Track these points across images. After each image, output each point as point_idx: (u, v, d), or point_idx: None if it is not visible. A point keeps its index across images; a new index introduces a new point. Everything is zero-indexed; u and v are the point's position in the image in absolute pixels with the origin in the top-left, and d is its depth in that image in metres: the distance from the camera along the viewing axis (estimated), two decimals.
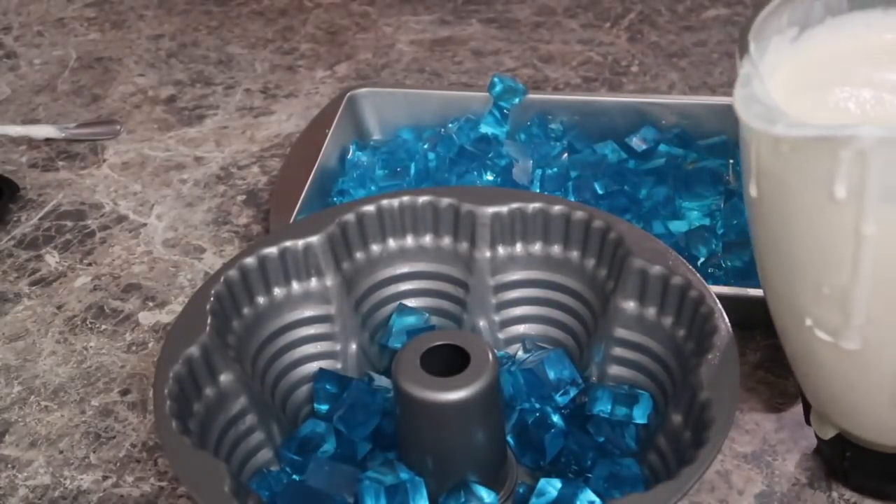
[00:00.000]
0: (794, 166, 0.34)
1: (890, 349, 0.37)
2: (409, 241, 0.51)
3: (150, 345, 0.57)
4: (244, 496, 0.39)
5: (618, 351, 0.47)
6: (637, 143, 0.63)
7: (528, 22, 0.88)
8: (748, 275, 0.54)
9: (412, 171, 0.62)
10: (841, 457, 0.45)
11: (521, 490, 0.43)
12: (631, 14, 0.88)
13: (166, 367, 0.41)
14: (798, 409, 0.48)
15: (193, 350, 0.42)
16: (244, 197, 0.68)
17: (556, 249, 0.49)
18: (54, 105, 0.80)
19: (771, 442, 0.49)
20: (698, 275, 0.45)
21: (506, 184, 0.59)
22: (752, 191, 0.37)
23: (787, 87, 0.35)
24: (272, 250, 0.47)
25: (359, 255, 0.50)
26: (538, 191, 0.60)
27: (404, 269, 0.51)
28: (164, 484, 0.49)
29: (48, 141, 0.75)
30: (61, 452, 0.51)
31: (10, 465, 0.50)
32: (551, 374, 0.46)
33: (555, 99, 0.66)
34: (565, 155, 0.63)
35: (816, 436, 0.46)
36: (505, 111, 0.63)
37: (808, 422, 0.46)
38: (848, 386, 0.40)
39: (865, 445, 0.43)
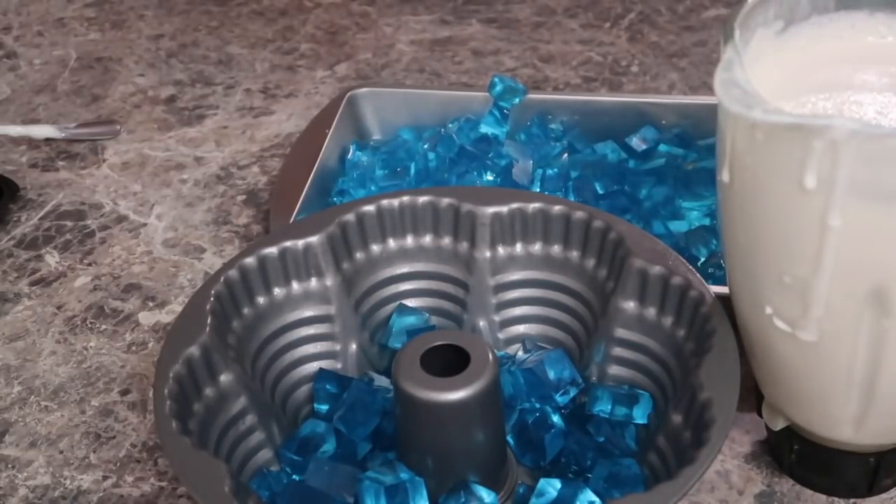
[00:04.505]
0: (767, 154, 0.34)
1: (845, 342, 0.37)
2: (409, 241, 0.51)
3: (150, 345, 0.57)
4: (244, 496, 0.39)
5: (618, 351, 0.47)
6: (637, 143, 0.63)
7: (528, 22, 0.88)
8: None
9: (412, 171, 0.62)
10: (789, 450, 0.45)
11: (521, 490, 0.43)
12: (631, 14, 0.88)
13: (166, 367, 0.41)
14: None
15: (193, 350, 0.42)
16: (244, 197, 0.68)
17: (556, 249, 0.49)
18: (54, 105, 0.80)
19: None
20: (698, 275, 0.45)
21: (506, 184, 0.59)
22: (725, 176, 0.37)
23: (767, 85, 0.35)
24: (272, 250, 0.47)
25: (359, 255, 0.50)
26: (538, 191, 0.60)
27: (404, 269, 0.51)
28: (164, 484, 0.49)
29: (48, 141, 0.75)
30: (61, 452, 0.51)
31: (10, 465, 0.50)
32: (551, 374, 0.46)
33: (555, 99, 0.66)
34: (565, 155, 0.63)
35: (766, 427, 0.46)
36: (505, 111, 0.63)
37: (759, 413, 0.46)
38: (802, 377, 0.40)
39: (814, 440, 0.43)
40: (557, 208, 0.48)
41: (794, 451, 0.45)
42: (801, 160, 0.33)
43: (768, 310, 0.38)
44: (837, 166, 0.32)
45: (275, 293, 0.48)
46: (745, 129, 0.35)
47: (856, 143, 0.32)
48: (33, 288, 0.61)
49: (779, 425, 0.44)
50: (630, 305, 0.46)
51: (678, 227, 0.58)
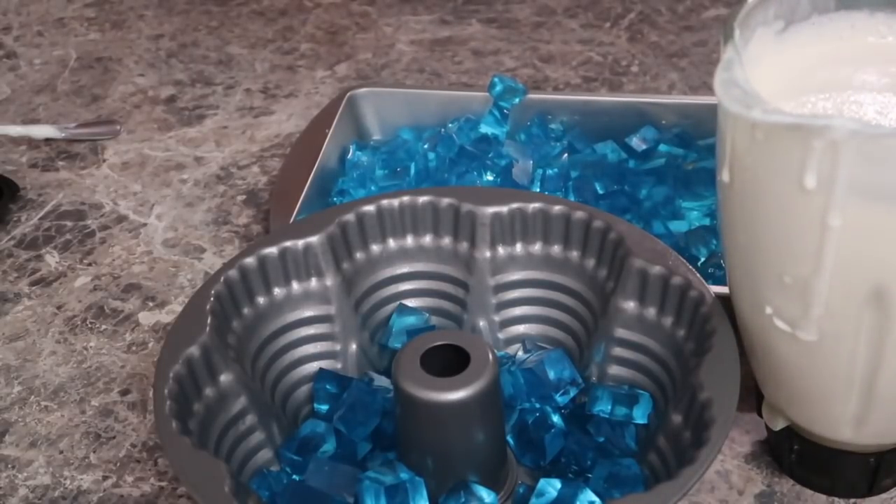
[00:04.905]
0: (767, 154, 0.34)
1: (845, 342, 0.37)
2: (409, 241, 0.51)
3: (150, 345, 0.57)
4: (244, 496, 0.39)
5: (618, 351, 0.47)
6: (637, 143, 0.63)
7: (528, 22, 0.88)
8: None
9: (412, 171, 0.62)
10: (789, 450, 0.45)
11: (521, 490, 0.43)
12: (631, 14, 0.88)
13: (166, 367, 0.41)
14: None
15: (193, 350, 0.42)
16: (244, 197, 0.68)
17: (556, 249, 0.49)
18: (54, 105, 0.80)
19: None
20: (698, 275, 0.45)
21: (506, 184, 0.59)
22: (725, 176, 0.37)
23: (767, 86, 0.35)
24: (272, 250, 0.47)
25: (359, 255, 0.50)
26: (538, 191, 0.60)
27: (404, 269, 0.51)
28: (164, 484, 0.49)
29: (48, 141, 0.75)
30: (61, 452, 0.51)
31: (10, 465, 0.50)
32: (551, 374, 0.46)
33: (555, 99, 0.66)
34: (565, 155, 0.63)
35: (766, 427, 0.46)
36: (505, 111, 0.63)
37: (759, 413, 0.46)
38: (802, 377, 0.40)
39: (814, 440, 0.44)
40: (557, 208, 0.48)
41: (794, 451, 0.45)
42: (801, 160, 0.33)
43: (768, 310, 0.38)
44: (837, 166, 0.32)
45: (275, 293, 0.48)
46: (745, 129, 0.35)
47: (856, 143, 0.32)
48: (33, 288, 0.61)
49: (779, 425, 0.44)
50: (630, 305, 0.46)
51: (678, 227, 0.58)
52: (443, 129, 0.64)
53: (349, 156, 0.64)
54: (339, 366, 0.49)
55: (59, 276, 0.62)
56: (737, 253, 0.40)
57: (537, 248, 0.50)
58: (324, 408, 0.47)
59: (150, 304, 0.60)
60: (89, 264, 0.63)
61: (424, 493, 0.41)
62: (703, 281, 0.44)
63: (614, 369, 0.47)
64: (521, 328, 0.51)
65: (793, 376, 0.40)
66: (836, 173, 0.32)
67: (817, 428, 0.43)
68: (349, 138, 0.66)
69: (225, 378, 0.44)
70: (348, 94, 0.67)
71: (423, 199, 0.50)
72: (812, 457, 0.45)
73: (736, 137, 0.36)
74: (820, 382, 0.40)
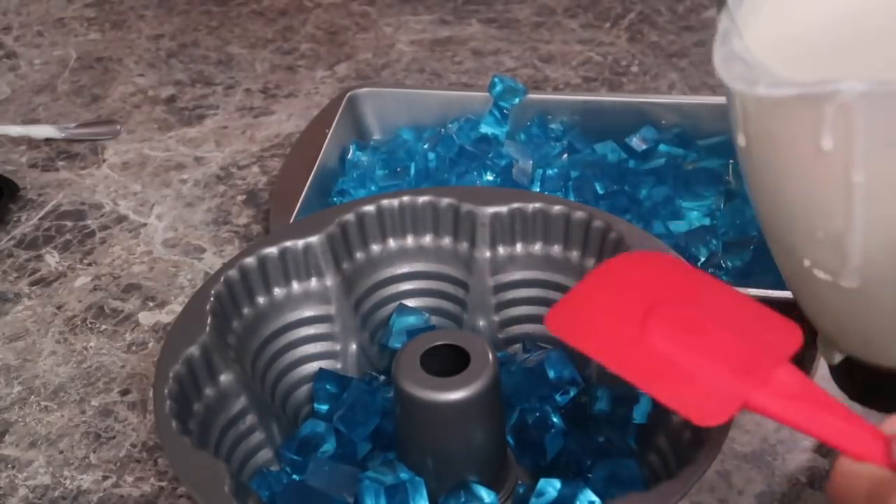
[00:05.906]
0: (780, 120, 0.33)
1: (890, 285, 0.35)
2: (409, 241, 0.51)
3: (150, 345, 0.57)
4: (244, 496, 0.39)
5: None
6: (637, 143, 0.63)
7: (528, 22, 0.88)
8: (748, 274, 0.54)
9: (412, 171, 0.62)
10: (853, 382, 0.43)
11: (521, 490, 0.43)
12: (631, 14, 0.88)
13: (166, 367, 0.41)
14: None
15: (193, 350, 0.42)
16: (244, 197, 0.68)
17: (556, 249, 0.49)
18: (54, 105, 0.80)
19: (771, 442, 0.49)
20: None
21: (506, 184, 0.59)
22: (741, 140, 0.36)
23: (765, 43, 0.34)
24: (272, 250, 0.47)
25: (359, 255, 0.50)
26: (538, 191, 0.60)
27: (404, 269, 0.51)
28: (164, 484, 0.49)
29: (48, 141, 0.75)
30: (61, 452, 0.51)
31: (10, 465, 0.50)
32: (551, 374, 0.46)
33: (555, 99, 0.66)
34: (565, 155, 0.63)
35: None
36: (505, 111, 0.63)
37: (814, 346, 0.45)
38: (851, 319, 0.38)
39: (875, 368, 0.41)
40: (557, 208, 0.48)
41: (857, 383, 0.43)
42: (815, 125, 0.32)
43: (806, 262, 0.37)
44: (853, 126, 0.31)
45: (275, 293, 0.48)
46: (753, 99, 0.34)
47: (867, 103, 0.30)
48: (33, 288, 0.61)
49: (835, 360, 0.42)
50: None
51: (678, 227, 0.58)
52: (443, 129, 0.64)
53: (349, 156, 0.64)
54: (339, 366, 0.49)
55: (59, 276, 0.62)
56: (766, 211, 0.37)
57: (537, 248, 0.49)
58: (324, 408, 0.47)
59: (150, 304, 0.60)
60: (89, 264, 0.63)
61: (424, 493, 0.41)
62: None
63: None
64: (521, 328, 0.50)
65: (842, 318, 0.39)
66: (852, 132, 0.31)
67: (875, 360, 0.41)
68: (349, 138, 0.66)
69: (225, 378, 0.44)
70: (348, 94, 0.67)
71: (423, 199, 0.50)
72: (880, 383, 0.42)
73: (746, 105, 0.34)
74: (870, 322, 0.38)
